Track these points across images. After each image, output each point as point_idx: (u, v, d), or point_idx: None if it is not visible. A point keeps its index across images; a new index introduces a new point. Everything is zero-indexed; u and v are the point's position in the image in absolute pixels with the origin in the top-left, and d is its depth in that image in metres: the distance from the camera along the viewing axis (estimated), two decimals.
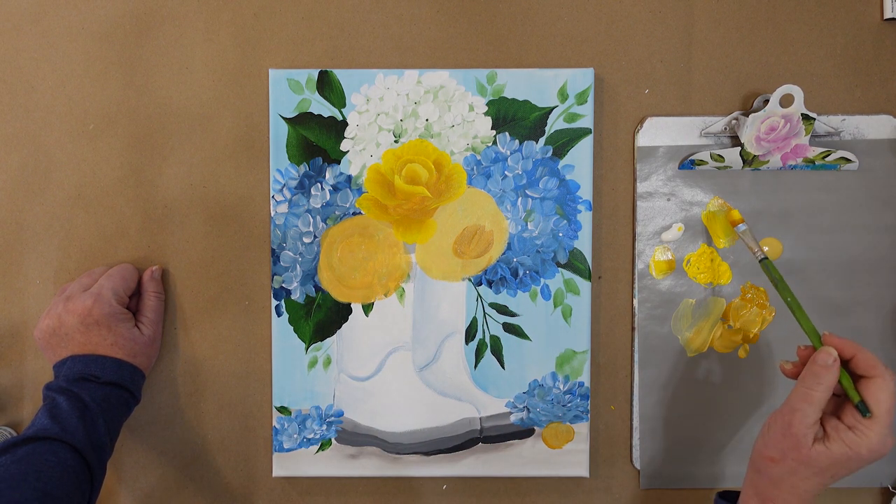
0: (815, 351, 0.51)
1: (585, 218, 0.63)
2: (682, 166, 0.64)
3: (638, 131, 0.64)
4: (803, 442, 0.49)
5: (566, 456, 0.64)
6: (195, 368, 0.66)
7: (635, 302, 0.65)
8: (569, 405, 0.64)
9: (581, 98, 0.63)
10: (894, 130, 0.63)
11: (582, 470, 0.64)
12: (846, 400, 0.51)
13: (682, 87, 0.64)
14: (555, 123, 0.63)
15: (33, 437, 0.53)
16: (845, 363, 0.51)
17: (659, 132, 0.64)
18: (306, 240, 0.63)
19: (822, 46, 0.64)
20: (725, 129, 0.63)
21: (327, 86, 0.63)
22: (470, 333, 0.64)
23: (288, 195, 0.63)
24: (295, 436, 0.64)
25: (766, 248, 0.64)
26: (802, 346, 0.54)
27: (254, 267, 0.65)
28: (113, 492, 0.66)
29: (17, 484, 0.49)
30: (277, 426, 0.64)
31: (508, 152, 0.63)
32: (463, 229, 0.63)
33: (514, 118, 0.63)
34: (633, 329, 0.65)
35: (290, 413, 0.64)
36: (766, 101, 0.60)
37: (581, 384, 0.64)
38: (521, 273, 0.63)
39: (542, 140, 0.63)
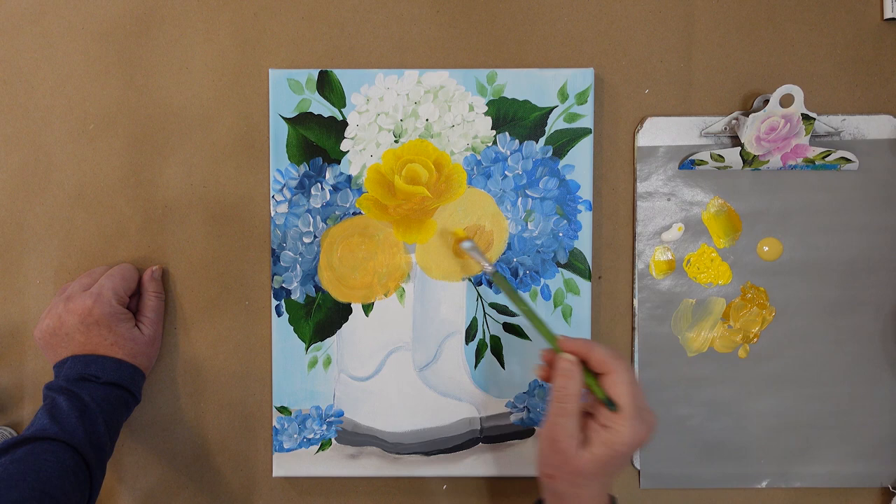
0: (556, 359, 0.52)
1: (585, 218, 0.63)
2: (682, 166, 0.64)
3: (638, 131, 0.64)
4: (570, 453, 0.49)
5: None
6: (195, 368, 0.66)
7: (635, 302, 0.65)
8: None
9: (581, 98, 0.63)
10: (894, 130, 0.63)
11: None
12: (597, 399, 0.51)
13: (682, 87, 0.64)
14: (555, 123, 0.63)
15: (33, 437, 0.53)
16: (586, 364, 0.51)
17: (659, 132, 0.64)
18: (306, 240, 0.63)
19: (822, 46, 0.64)
20: (725, 129, 0.63)
21: (327, 86, 0.63)
22: (470, 333, 0.64)
23: (288, 195, 0.63)
24: (295, 436, 0.64)
25: (765, 248, 0.64)
26: (544, 350, 0.53)
27: (254, 267, 0.65)
28: (113, 492, 0.66)
29: (16, 484, 0.49)
30: (277, 426, 0.64)
31: (508, 152, 0.63)
32: (463, 229, 0.63)
33: (514, 118, 0.63)
34: (633, 329, 0.65)
35: (290, 413, 0.64)
36: (766, 101, 0.60)
37: None
38: (521, 273, 0.63)
39: (542, 140, 0.63)
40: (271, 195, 0.63)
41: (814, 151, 0.62)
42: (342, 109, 0.63)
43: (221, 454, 0.66)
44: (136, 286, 0.63)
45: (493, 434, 0.64)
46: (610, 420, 0.49)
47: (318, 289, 0.64)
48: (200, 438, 0.66)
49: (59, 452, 0.52)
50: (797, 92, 0.59)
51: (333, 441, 0.64)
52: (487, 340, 0.64)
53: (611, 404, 0.49)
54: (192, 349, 0.66)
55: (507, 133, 0.63)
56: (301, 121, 0.63)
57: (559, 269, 0.63)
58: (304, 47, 0.64)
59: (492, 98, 0.63)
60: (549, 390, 0.52)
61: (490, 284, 0.62)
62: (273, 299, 0.64)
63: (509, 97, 0.63)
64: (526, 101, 0.63)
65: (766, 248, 0.64)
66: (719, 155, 0.63)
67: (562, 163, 0.63)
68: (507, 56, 0.64)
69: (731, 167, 0.63)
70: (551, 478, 0.51)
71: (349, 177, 0.63)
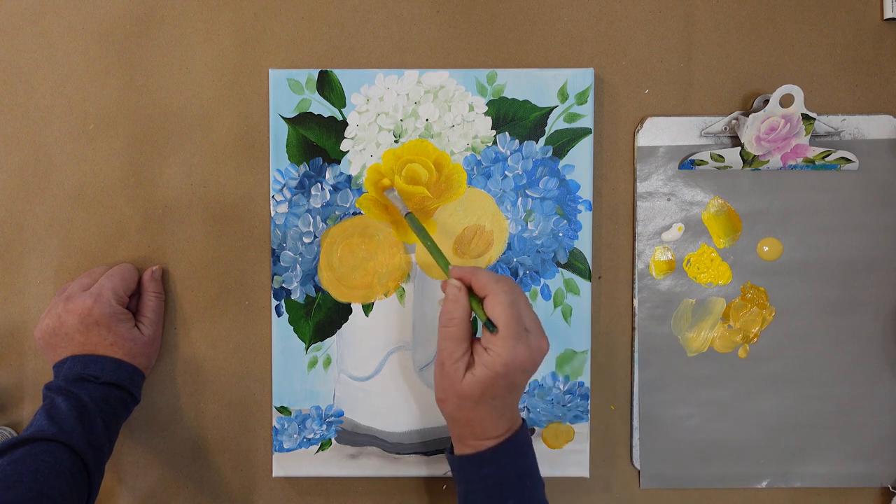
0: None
1: (585, 218, 0.63)
2: (682, 166, 0.64)
3: (638, 131, 0.64)
4: (456, 377, 0.51)
5: (566, 456, 0.64)
6: (195, 368, 0.66)
7: (635, 302, 0.65)
8: (569, 405, 0.64)
9: (581, 98, 0.63)
10: (894, 130, 0.63)
11: (582, 470, 0.64)
12: (483, 323, 0.52)
13: (682, 87, 0.64)
14: (555, 123, 0.63)
15: (31, 437, 0.53)
16: (471, 289, 0.53)
17: (659, 132, 0.64)
18: (306, 240, 0.63)
19: (822, 46, 0.64)
20: (725, 129, 0.63)
21: (327, 86, 0.63)
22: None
23: (288, 195, 0.63)
24: (295, 436, 0.64)
25: (765, 248, 0.64)
26: (442, 282, 0.55)
27: (254, 267, 0.65)
28: (113, 492, 0.66)
29: (14, 485, 0.49)
30: (277, 426, 0.64)
31: (508, 152, 0.63)
32: (463, 229, 0.63)
33: (514, 118, 0.63)
34: (633, 329, 0.65)
35: (290, 413, 0.64)
36: (766, 101, 0.60)
37: (581, 384, 0.64)
38: (521, 273, 0.63)
39: (542, 140, 0.63)
40: (271, 195, 0.63)
41: (814, 151, 0.62)
42: (342, 109, 0.63)
43: (221, 454, 0.66)
44: (136, 286, 0.63)
45: None
46: (490, 342, 0.51)
47: (318, 289, 0.64)
48: (200, 438, 0.66)
49: (57, 453, 0.52)
50: (797, 92, 0.59)
51: (333, 441, 0.64)
52: None
53: (490, 325, 0.51)
54: (192, 349, 0.66)
55: (507, 133, 0.63)
56: (301, 121, 0.63)
57: (559, 269, 0.63)
58: (304, 47, 0.64)
59: (492, 98, 0.63)
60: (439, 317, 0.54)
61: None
62: (273, 299, 0.64)
63: (509, 97, 0.63)
64: (526, 101, 0.63)
65: (766, 248, 0.64)
66: (719, 155, 0.63)
67: (562, 163, 0.63)
68: (507, 56, 0.64)
69: (731, 167, 0.63)
70: (442, 402, 0.53)
71: (349, 177, 0.63)
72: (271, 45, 0.64)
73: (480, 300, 0.53)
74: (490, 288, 0.51)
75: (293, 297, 0.64)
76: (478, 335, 0.54)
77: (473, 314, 0.54)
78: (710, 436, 0.65)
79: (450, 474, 0.64)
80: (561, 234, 0.63)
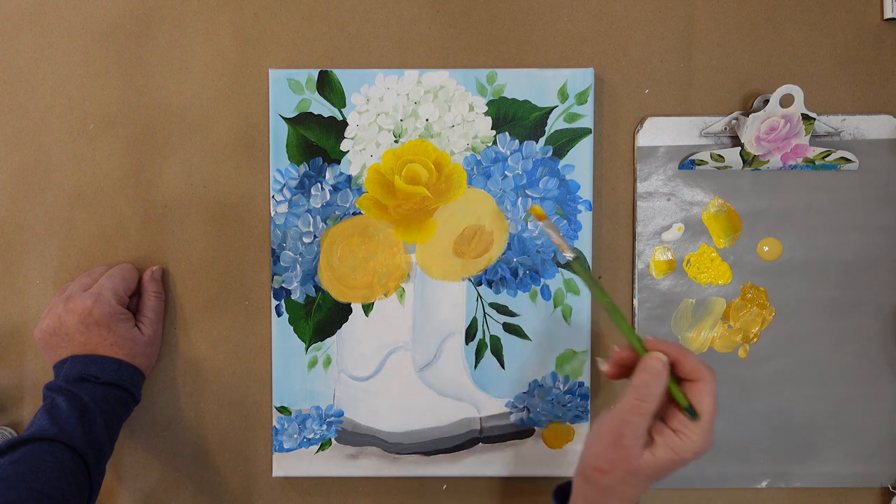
0: (643, 357, 0.49)
1: (585, 218, 0.63)
2: (682, 166, 0.64)
3: (638, 131, 0.64)
4: (633, 453, 0.47)
5: (566, 456, 0.64)
6: (195, 368, 0.66)
7: (635, 302, 0.65)
8: (569, 405, 0.64)
9: (581, 98, 0.63)
10: (894, 130, 0.63)
11: None
12: (670, 402, 0.49)
13: (682, 87, 0.64)
14: (555, 123, 0.63)
15: (31, 437, 0.53)
16: (673, 367, 0.49)
17: (659, 132, 0.64)
18: (306, 240, 0.63)
19: (822, 46, 0.64)
20: (725, 129, 0.63)
21: (327, 86, 0.63)
22: (470, 333, 0.64)
23: (288, 195, 0.63)
24: (295, 436, 0.64)
25: (765, 248, 0.64)
26: (618, 348, 0.51)
27: (254, 267, 0.65)
28: (113, 492, 0.66)
29: (14, 484, 0.49)
30: (277, 426, 0.64)
31: (508, 152, 0.63)
32: (463, 229, 0.63)
33: (514, 118, 0.63)
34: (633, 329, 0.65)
35: (290, 413, 0.64)
36: (766, 101, 0.60)
37: (581, 384, 0.64)
38: (521, 273, 0.63)
39: (542, 140, 0.63)
40: (271, 195, 0.63)
41: (814, 151, 0.62)
42: (342, 109, 0.63)
43: (221, 454, 0.66)
44: (136, 286, 0.63)
45: (492, 434, 0.64)
46: (685, 427, 0.47)
47: (318, 289, 0.64)
48: (200, 438, 0.66)
49: (57, 453, 0.52)
50: (797, 92, 0.59)
51: (333, 441, 0.64)
52: (487, 340, 0.64)
53: (692, 412, 0.48)
54: (192, 349, 0.66)
55: (507, 133, 0.63)
56: (301, 121, 0.63)
57: (559, 269, 0.63)
58: (304, 47, 0.64)
59: (492, 98, 0.63)
60: (629, 385, 0.49)
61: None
62: (273, 299, 0.64)
63: (509, 97, 0.63)
64: (526, 101, 0.63)
65: (766, 248, 0.64)
66: (719, 155, 0.63)
67: (562, 163, 0.63)
68: (507, 56, 0.64)
69: (731, 167, 0.63)
70: (602, 472, 0.49)
71: (349, 177, 0.63)
72: (271, 45, 0.64)
73: (678, 379, 0.49)
74: (701, 374, 0.48)
75: (293, 297, 0.64)
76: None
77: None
78: None
79: (449, 474, 0.64)
80: (561, 234, 0.63)
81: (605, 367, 0.52)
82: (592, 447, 0.50)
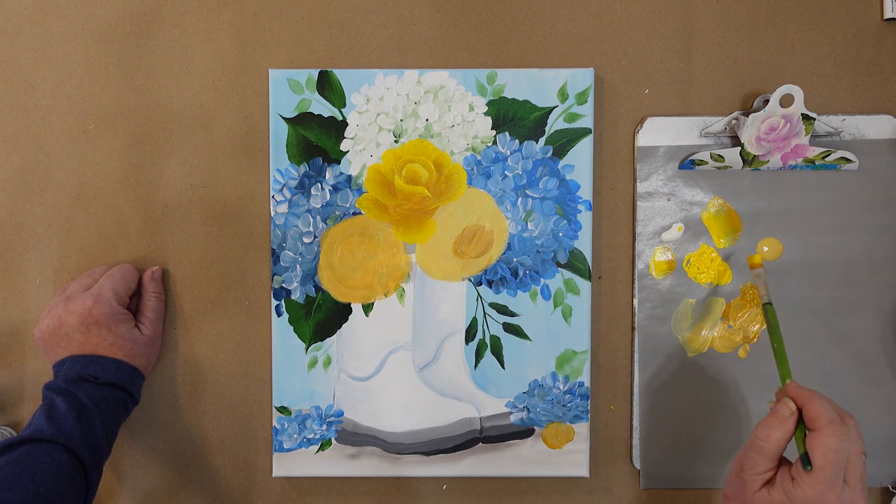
0: (777, 402, 0.51)
1: (585, 218, 0.63)
2: (682, 166, 0.64)
3: (638, 131, 0.64)
4: (750, 486, 0.50)
5: (566, 456, 0.64)
6: (195, 368, 0.66)
7: (635, 302, 0.65)
8: (569, 405, 0.64)
9: (581, 98, 0.63)
10: (894, 130, 0.63)
11: (582, 470, 0.64)
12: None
13: (682, 87, 0.64)
14: (555, 123, 0.63)
15: (29, 438, 0.53)
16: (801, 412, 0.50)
17: (659, 132, 0.64)
18: (306, 240, 0.63)
19: (822, 46, 0.64)
20: (725, 129, 0.63)
21: (327, 86, 0.63)
22: (470, 333, 0.64)
23: (288, 195, 0.63)
24: (295, 436, 0.64)
25: (765, 248, 0.64)
26: (779, 389, 0.53)
27: (254, 267, 0.65)
28: (113, 492, 0.66)
29: (11, 485, 0.49)
30: (277, 426, 0.64)
31: (508, 152, 0.63)
32: (463, 229, 0.63)
33: (514, 118, 0.63)
34: (633, 329, 0.65)
35: (290, 413, 0.64)
36: (766, 101, 0.60)
37: (581, 384, 0.64)
38: (521, 273, 0.63)
39: (542, 140, 0.63)
40: (271, 195, 0.63)
41: (814, 151, 0.62)
42: (342, 109, 0.63)
43: (221, 454, 0.66)
44: (136, 286, 0.63)
45: (492, 434, 0.64)
46: (799, 475, 0.48)
47: (318, 289, 0.64)
48: (200, 438, 0.66)
49: (55, 454, 0.52)
50: (797, 92, 0.59)
51: (333, 441, 0.64)
52: (487, 340, 0.64)
53: (805, 461, 0.48)
54: (192, 349, 0.66)
55: (507, 133, 0.63)
56: (301, 121, 0.63)
57: (559, 269, 0.63)
58: (304, 47, 0.64)
59: (492, 98, 0.63)
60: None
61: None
62: (273, 299, 0.64)
63: (509, 97, 0.63)
64: (526, 101, 0.63)
65: (766, 248, 0.64)
66: (719, 155, 0.63)
67: (562, 163, 0.63)
68: (507, 56, 0.64)
69: (731, 167, 0.63)
70: (727, 498, 0.53)
71: (349, 177, 0.63)
72: (271, 45, 0.64)
73: (804, 427, 0.50)
74: (819, 425, 0.48)
75: (293, 297, 0.64)
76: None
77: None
78: (710, 436, 0.65)
79: (449, 474, 0.64)
80: (561, 234, 0.63)
81: (771, 404, 0.53)
82: (728, 475, 0.53)
